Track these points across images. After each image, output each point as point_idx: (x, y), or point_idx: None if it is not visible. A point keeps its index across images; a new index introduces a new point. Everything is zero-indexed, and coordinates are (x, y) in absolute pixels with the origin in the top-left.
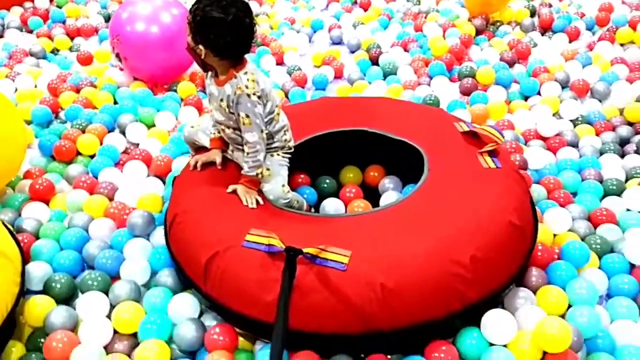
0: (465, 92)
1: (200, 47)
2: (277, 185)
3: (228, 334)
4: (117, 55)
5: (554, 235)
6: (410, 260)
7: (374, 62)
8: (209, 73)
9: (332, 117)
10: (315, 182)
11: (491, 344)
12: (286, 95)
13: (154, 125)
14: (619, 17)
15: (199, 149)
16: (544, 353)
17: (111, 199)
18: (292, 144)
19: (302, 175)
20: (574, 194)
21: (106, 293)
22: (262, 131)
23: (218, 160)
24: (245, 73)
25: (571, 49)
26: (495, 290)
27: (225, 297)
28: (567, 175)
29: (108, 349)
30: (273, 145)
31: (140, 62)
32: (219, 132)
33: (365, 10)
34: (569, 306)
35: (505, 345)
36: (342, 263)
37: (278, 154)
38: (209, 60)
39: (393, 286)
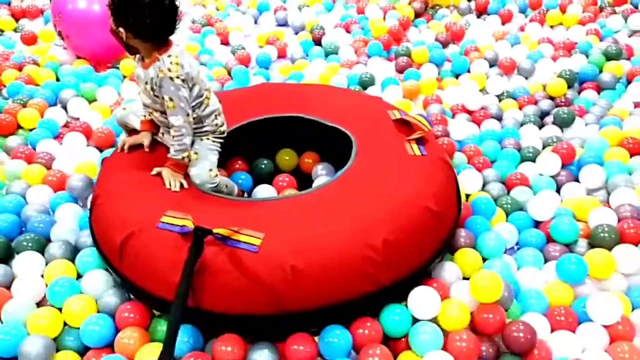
0: (400, 70)
1: (121, 29)
2: (203, 170)
3: (139, 312)
4: (60, 34)
5: (467, 195)
6: (323, 242)
7: (317, 42)
8: (137, 56)
9: (270, 103)
10: (252, 165)
11: (417, 320)
12: (229, 74)
13: (95, 100)
14: (551, 1)
15: (131, 131)
16: (471, 316)
17: (49, 169)
18: (224, 128)
19: (239, 162)
20: (494, 162)
21: (42, 254)
22: (187, 115)
23: (146, 142)
24: (169, 56)
25: (503, 30)
26: (408, 273)
27: (138, 277)
28: (487, 144)
29: (42, 304)
30: (203, 129)
31: (82, 40)
32: (149, 115)
33: None
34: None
35: (433, 319)
36: (254, 245)
37: (208, 138)
38: (132, 42)
39: (303, 267)
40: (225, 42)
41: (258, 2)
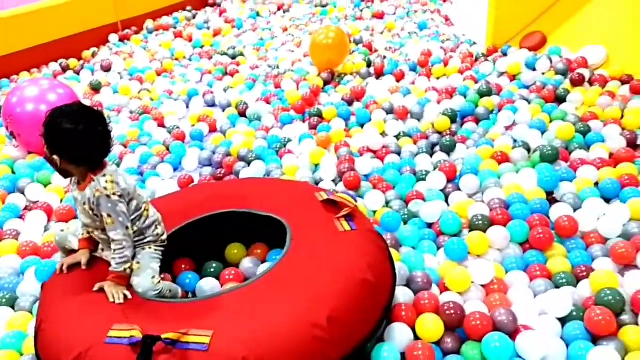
0: (313, 127)
1: (55, 157)
2: (146, 278)
3: None
4: (12, 134)
5: (374, 212)
6: (271, 330)
7: (242, 115)
8: (72, 179)
9: (206, 202)
10: (202, 268)
11: None
12: (167, 149)
13: (50, 184)
14: (435, 59)
15: (70, 252)
16: None
17: None
18: (164, 237)
19: (185, 263)
20: (395, 185)
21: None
22: (127, 228)
23: (83, 260)
24: (104, 176)
25: (397, 85)
26: (356, 346)
27: None
28: (389, 173)
29: None
30: (145, 240)
31: (32, 137)
32: (88, 233)
33: (233, 76)
34: None
35: None
36: (204, 343)
37: (150, 248)
38: (66, 167)
39: (255, 358)
40: (162, 125)
41: (188, 89)
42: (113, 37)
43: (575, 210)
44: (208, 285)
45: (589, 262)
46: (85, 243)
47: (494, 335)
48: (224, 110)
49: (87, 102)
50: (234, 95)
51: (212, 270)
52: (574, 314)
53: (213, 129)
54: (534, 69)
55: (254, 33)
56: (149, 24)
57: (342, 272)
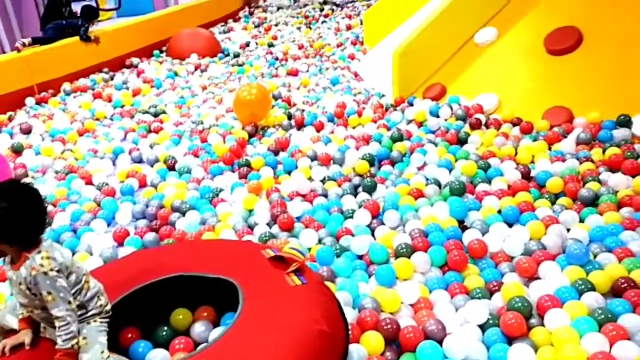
0: (244, 176)
1: None
2: (95, 354)
3: None
4: None
5: (309, 249)
6: None
7: (171, 169)
8: (5, 258)
9: (150, 268)
10: (153, 334)
11: None
12: (99, 205)
13: None
14: (350, 110)
15: (8, 332)
16: None
17: None
18: (108, 307)
19: (129, 334)
20: (325, 225)
21: None
22: (69, 302)
23: (27, 340)
24: (39, 252)
25: (317, 135)
26: None
27: None
28: (318, 214)
29: None
30: (89, 314)
31: None
32: (27, 313)
33: (157, 133)
34: None
35: None
36: None
37: (95, 321)
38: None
39: None
40: (90, 183)
41: (113, 147)
42: (30, 100)
43: (483, 234)
44: (158, 356)
45: (499, 278)
46: (26, 323)
47: (426, 343)
48: (152, 166)
49: (10, 165)
50: (161, 150)
51: (164, 334)
52: (491, 321)
53: (143, 184)
54: (438, 116)
55: (173, 92)
56: (66, 86)
57: (299, 325)
